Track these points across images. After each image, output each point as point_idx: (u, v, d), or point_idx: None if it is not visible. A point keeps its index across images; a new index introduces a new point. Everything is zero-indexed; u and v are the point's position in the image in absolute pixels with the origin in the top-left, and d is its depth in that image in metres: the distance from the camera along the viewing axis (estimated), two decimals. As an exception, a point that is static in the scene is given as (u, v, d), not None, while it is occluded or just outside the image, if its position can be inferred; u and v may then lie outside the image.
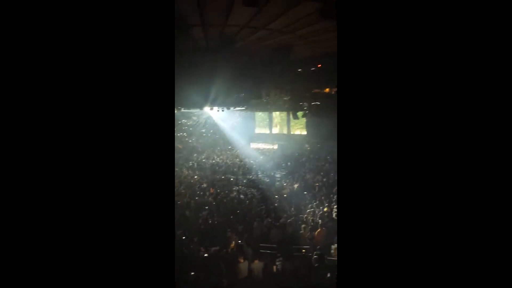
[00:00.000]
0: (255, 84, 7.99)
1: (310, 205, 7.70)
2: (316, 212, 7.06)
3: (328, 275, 3.84)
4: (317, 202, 7.82)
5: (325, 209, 7.14)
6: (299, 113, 14.79)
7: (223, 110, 10.79)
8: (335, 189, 8.47)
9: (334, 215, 6.63)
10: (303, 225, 5.92)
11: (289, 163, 13.52)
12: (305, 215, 7.06)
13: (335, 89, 11.63)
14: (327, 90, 12.06)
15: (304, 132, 17.21)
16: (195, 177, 11.79)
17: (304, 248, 5.12)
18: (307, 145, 15.78)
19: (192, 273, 3.86)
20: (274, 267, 4.31)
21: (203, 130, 18.98)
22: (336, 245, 4.95)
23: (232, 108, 11.68)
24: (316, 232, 5.64)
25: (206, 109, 10.41)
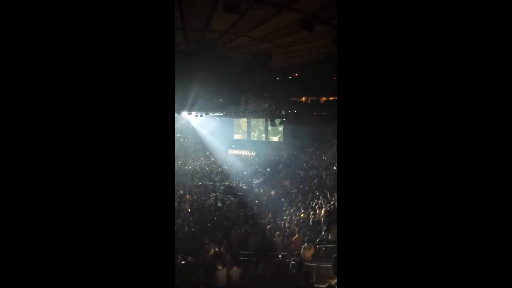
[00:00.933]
0: (234, 90, 8.02)
1: (287, 212, 7.78)
2: (293, 218, 7.14)
3: (304, 281, 3.88)
4: (294, 208, 7.91)
5: (302, 215, 7.24)
6: (277, 120, 15.02)
7: (201, 115, 10.71)
8: (310, 195, 8.64)
9: (310, 221, 6.74)
10: (277, 232, 5.94)
11: (267, 170, 13.60)
12: (282, 222, 7.11)
13: (311, 98, 11.97)
14: (304, 99, 12.38)
15: (281, 140, 17.45)
16: (171, 183, 11.50)
17: (281, 254, 5.14)
18: (284, 153, 15.98)
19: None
20: (253, 273, 4.28)
21: (180, 135, 18.64)
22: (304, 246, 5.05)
23: (210, 114, 11.62)
24: (294, 238, 5.69)
25: (184, 114, 10.26)
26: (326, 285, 3.75)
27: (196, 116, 10.68)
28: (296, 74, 8.98)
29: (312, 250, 5.18)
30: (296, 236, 5.73)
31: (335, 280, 3.59)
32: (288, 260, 4.67)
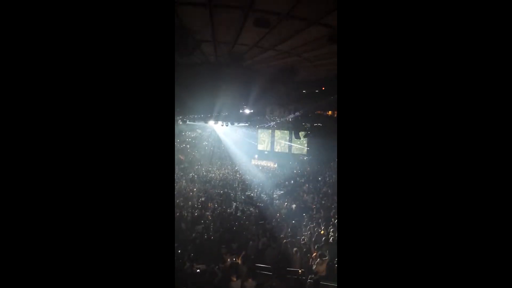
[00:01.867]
0: (260, 102, 8.11)
1: (307, 227, 7.58)
2: (312, 234, 6.94)
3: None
4: (314, 224, 7.69)
5: (322, 232, 7.01)
6: (301, 133, 14.88)
7: (227, 125, 10.91)
8: (332, 212, 8.36)
9: (330, 239, 6.51)
10: (295, 248, 5.79)
11: (288, 183, 13.43)
12: (302, 237, 6.94)
13: (337, 112, 11.76)
14: (330, 112, 12.21)
15: (305, 153, 17.22)
16: (194, 189, 11.71)
17: (299, 271, 5.00)
18: (307, 166, 15.72)
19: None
20: (268, 286, 4.19)
21: (205, 143, 19.07)
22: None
23: (235, 124, 11.81)
24: (312, 256, 5.52)
25: (211, 123, 10.52)
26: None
27: (222, 125, 10.89)
28: (323, 88, 8.90)
29: (325, 264, 4.99)
30: (315, 253, 5.55)
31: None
32: (304, 278, 4.53)
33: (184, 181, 13.17)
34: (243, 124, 14.05)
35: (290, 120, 13.25)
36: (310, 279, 4.44)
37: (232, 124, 10.81)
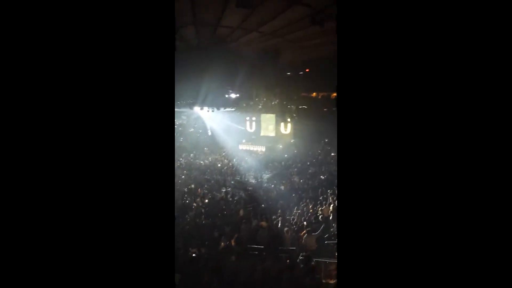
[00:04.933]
0: (245, 86, 8.05)
1: (296, 207, 7.80)
2: (302, 214, 7.17)
3: (311, 276, 3.92)
4: (303, 204, 7.93)
5: (311, 211, 7.26)
6: (287, 116, 14.95)
7: (212, 111, 10.80)
8: (320, 191, 8.62)
9: (320, 217, 6.75)
10: (285, 228, 5.99)
11: (280, 164, 13.61)
12: (292, 217, 7.15)
13: (322, 94, 11.87)
14: (314, 94, 12.30)
15: (291, 135, 17.38)
16: (182, 177, 11.68)
17: (290, 250, 5.19)
18: (293, 148, 15.93)
19: (177, 274, 3.85)
20: (260, 267, 4.35)
21: (192, 130, 18.85)
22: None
23: (222, 109, 11.70)
24: (302, 234, 5.72)
25: (196, 109, 10.37)
26: (334, 281, 3.77)
27: (208, 111, 10.76)
28: (307, 70, 8.91)
29: (314, 239, 5.21)
30: (305, 231, 5.76)
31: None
32: (296, 256, 4.71)
33: (172, 169, 13.07)
34: (229, 109, 13.93)
35: (276, 103, 13.25)
36: (301, 256, 4.63)
37: (218, 109, 10.70)
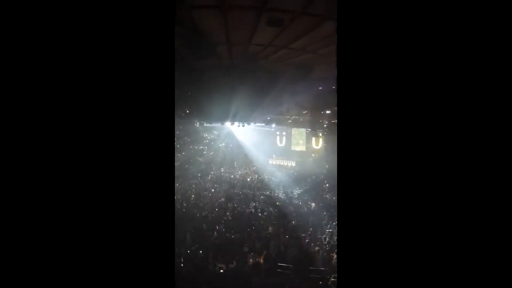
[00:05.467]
0: (276, 101, 8.10)
1: (328, 225, 7.49)
2: (334, 233, 6.85)
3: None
4: (336, 222, 7.58)
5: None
6: (318, 131, 14.68)
7: (243, 126, 10.97)
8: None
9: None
10: (316, 248, 5.75)
11: (307, 181, 13.31)
12: (323, 236, 6.86)
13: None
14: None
15: (323, 151, 16.99)
16: (213, 190, 11.86)
17: (321, 270, 4.95)
18: (325, 164, 15.51)
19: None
20: (289, 286, 4.18)
21: (223, 144, 19.26)
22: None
23: (252, 124, 11.85)
24: (334, 254, 5.44)
25: (227, 124, 10.62)
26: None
27: (239, 126, 10.96)
28: (339, 84, 8.76)
29: None
30: (337, 251, 5.47)
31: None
32: (328, 277, 4.48)
33: (202, 182, 13.37)
34: (260, 124, 14.06)
35: (307, 118, 13.13)
36: (332, 277, 4.38)
37: (249, 124, 10.85)
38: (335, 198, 10.12)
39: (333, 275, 4.50)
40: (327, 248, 5.85)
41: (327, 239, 6.55)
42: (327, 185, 12.09)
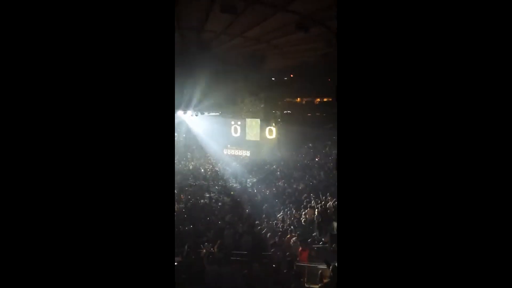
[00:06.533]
0: (230, 90, 8.03)
1: (280, 212, 7.80)
2: (286, 218, 7.17)
3: (295, 281, 3.92)
4: (287, 208, 7.95)
5: (295, 215, 7.28)
6: (271, 121, 15.04)
7: (196, 115, 10.68)
8: (304, 196, 8.68)
9: (302, 221, 6.79)
10: (268, 233, 5.98)
11: (261, 170, 13.61)
12: (275, 222, 7.14)
13: (306, 99, 12.06)
14: (298, 99, 12.48)
15: (276, 140, 17.50)
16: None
17: (273, 255, 5.16)
18: (278, 153, 16.01)
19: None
20: (244, 273, 4.29)
21: (176, 135, 18.54)
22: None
23: (206, 113, 11.59)
24: (286, 238, 5.72)
25: (180, 113, 10.23)
26: (318, 286, 3.78)
27: (192, 115, 10.63)
28: (292, 75, 9.03)
29: (307, 251, 5.22)
30: (289, 236, 5.76)
31: (326, 280, 3.62)
32: (280, 261, 4.69)
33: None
34: (213, 114, 13.83)
35: (261, 108, 13.31)
36: (284, 261, 4.61)
37: (202, 113, 10.60)
38: (286, 184, 10.55)
39: (287, 259, 4.74)
40: (279, 233, 6.11)
41: (279, 225, 6.83)
42: (279, 173, 12.52)
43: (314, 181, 10.19)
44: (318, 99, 11.44)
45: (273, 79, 8.91)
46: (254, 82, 8.21)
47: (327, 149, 12.81)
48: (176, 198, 9.15)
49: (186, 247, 4.80)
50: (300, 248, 5.39)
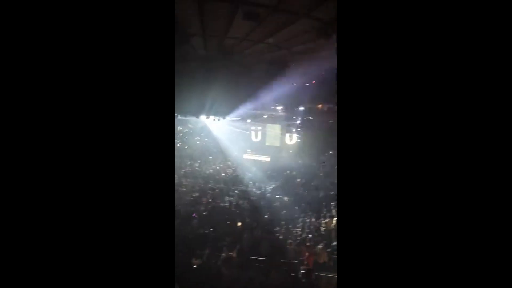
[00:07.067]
0: (252, 96, 8.10)
1: (300, 219, 7.69)
2: (305, 226, 7.06)
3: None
4: (307, 216, 7.82)
5: (314, 223, 7.15)
6: (292, 127, 14.96)
7: (218, 120, 10.86)
8: (325, 203, 8.50)
9: (322, 229, 6.64)
10: (289, 241, 5.91)
11: (280, 176, 13.53)
12: (295, 229, 7.04)
13: (328, 106, 11.87)
14: (320, 106, 12.31)
15: (297, 146, 17.35)
16: (186, 184, 11.66)
17: (292, 263, 5.09)
18: (298, 159, 15.85)
19: (177, 285, 3.79)
20: (262, 279, 4.26)
21: (197, 138, 18.94)
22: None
23: (227, 118, 11.76)
24: (305, 246, 5.62)
25: (202, 117, 10.46)
26: (336, 296, 3.68)
27: (214, 120, 10.83)
28: (313, 82, 8.95)
29: (325, 255, 5.12)
30: (308, 244, 5.66)
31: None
32: (298, 269, 4.62)
33: (176, 177, 13.08)
34: (235, 119, 13.99)
35: (282, 114, 13.29)
36: (302, 269, 4.54)
37: (224, 118, 10.76)
38: (306, 192, 10.39)
39: (301, 267, 4.66)
40: (298, 241, 6.02)
41: (298, 232, 6.73)
42: (299, 180, 12.36)
43: (335, 190, 9.95)
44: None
45: (294, 85, 8.87)
46: (275, 88, 8.22)
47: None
48: (197, 201, 9.31)
49: (206, 250, 4.86)
50: (307, 254, 5.30)
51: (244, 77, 7.14)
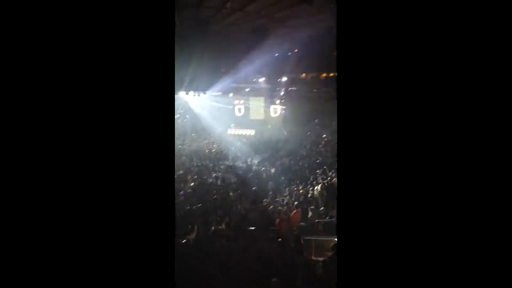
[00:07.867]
0: (233, 68, 7.87)
1: (287, 188, 7.91)
2: (292, 194, 7.28)
3: (301, 255, 4.04)
4: (294, 185, 8.04)
5: (301, 191, 7.38)
6: (276, 99, 14.87)
7: (198, 95, 10.58)
8: (308, 172, 8.74)
9: (309, 195, 6.89)
10: (276, 208, 6.13)
11: (266, 148, 13.64)
12: (282, 198, 7.26)
13: (311, 75, 11.77)
14: (304, 75, 12.18)
15: (281, 117, 17.38)
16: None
17: (279, 229, 5.29)
18: (283, 130, 15.97)
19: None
20: (252, 248, 4.43)
21: (177, 116, 18.50)
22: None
23: (208, 93, 11.47)
24: (292, 213, 5.83)
25: (181, 93, 10.14)
26: (323, 259, 3.90)
27: (194, 95, 10.53)
28: (296, 50, 8.75)
29: (299, 212, 5.40)
30: (295, 211, 5.88)
31: (331, 252, 3.72)
32: (287, 235, 4.82)
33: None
34: (216, 93, 13.68)
35: (265, 86, 13.10)
36: (291, 234, 4.74)
37: (204, 93, 10.48)
38: (293, 162, 10.60)
39: (294, 233, 4.86)
40: (285, 209, 6.23)
41: (285, 201, 6.95)
42: (284, 151, 12.52)
43: (320, 158, 10.20)
44: (324, 74, 11.14)
45: (276, 54, 8.66)
46: (257, 58, 8.00)
47: (333, 124, 12.68)
48: (183, 178, 9.30)
49: (195, 226, 4.94)
50: (295, 211, 5.57)
51: (223, 48, 6.87)
